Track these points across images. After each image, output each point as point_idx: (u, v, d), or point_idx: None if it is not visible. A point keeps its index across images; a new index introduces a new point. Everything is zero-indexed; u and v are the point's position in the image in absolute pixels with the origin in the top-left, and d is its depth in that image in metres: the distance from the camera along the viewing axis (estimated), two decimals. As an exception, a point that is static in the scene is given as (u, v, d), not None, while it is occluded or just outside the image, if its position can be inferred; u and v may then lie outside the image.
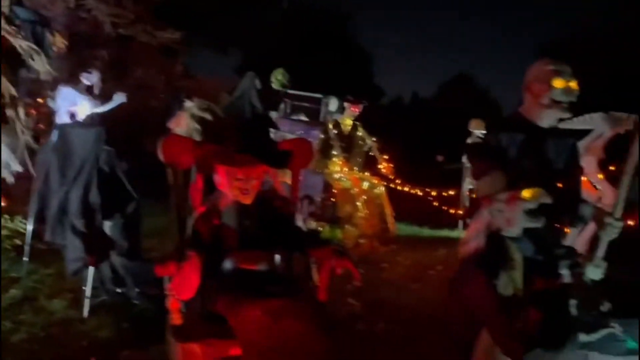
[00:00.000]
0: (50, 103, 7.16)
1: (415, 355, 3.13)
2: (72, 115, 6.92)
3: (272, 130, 6.53)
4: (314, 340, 2.27)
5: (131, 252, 3.49)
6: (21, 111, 4.34)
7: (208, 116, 2.66)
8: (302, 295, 2.40)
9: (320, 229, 5.88)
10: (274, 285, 2.38)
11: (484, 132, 6.68)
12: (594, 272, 2.20)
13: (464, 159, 7.12)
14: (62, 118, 6.89)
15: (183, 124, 2.68)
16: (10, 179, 4.50)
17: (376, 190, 6.02)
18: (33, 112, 7.52)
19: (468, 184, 7.16)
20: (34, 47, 4.37)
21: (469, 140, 7.24)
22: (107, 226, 3.46)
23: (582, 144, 4.25)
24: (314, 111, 8.37)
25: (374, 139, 6.37)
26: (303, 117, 8.00)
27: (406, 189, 7.29)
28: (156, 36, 13.13)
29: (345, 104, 6.11)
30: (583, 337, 1.91)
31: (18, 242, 4.49)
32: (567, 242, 2.61)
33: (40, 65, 4.50)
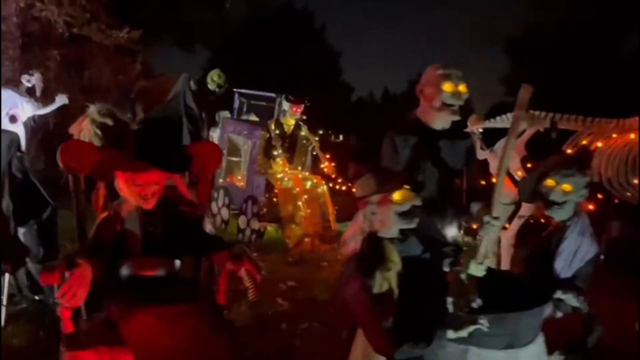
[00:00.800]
0: (-13, 106, 7.01)
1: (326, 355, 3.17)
2: (13, 118, 6.81)
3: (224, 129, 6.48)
4: (209, 346, 2.29)
5: (47, 259, 3.44)
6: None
7: (109, 121, 2.64)
8: (200, 300, 2.41)
9: (262, 229, 5.90)
10: (171, 290, 2.39)
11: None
12: (477, 269, 2.27)
13: None
14: (2, 121, 6.77)
15: (84, 129, 2.66)
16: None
17: (318, 190, 6.06)
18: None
19: None
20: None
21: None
22: (21, 233, 3.41)
23: (500, 143, 4.37)
24: (270, 110, 8.38)
25: (317, 138, 6.41)
26: (253, 117, 7.99)
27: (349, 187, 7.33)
28: (111, 35, 12.95)
29: (287, 104, 6.13)
30: (450, 334, 1.97)
31: None
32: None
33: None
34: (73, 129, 2.86)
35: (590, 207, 4.17)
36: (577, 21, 17.54)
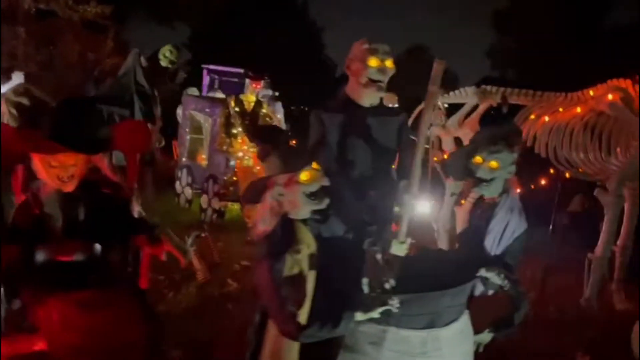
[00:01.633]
0: (-59, 85, 6.80)
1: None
2: (-32, 97, 6.62)
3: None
4: (126, 330, 2.25)
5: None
6: None
7: (24, 100, 2.54)
8: (118, 285, 2.35)
9: (222, 208, 5.83)
10: (89, 275, 2.32)
11: (397, 105, 6.71)
12: (399, 249, 2.23)
13: None
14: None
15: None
16: None
17: (280, 168, 5.97)
18: None
19: None
20: None
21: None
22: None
23: (454, 119, 4.32)
24: (241, 86, 8.27)
25: (279, 115, 6.31)
26: (219, 94, 7.86)
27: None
28: (78, 11, 12.61)
29: (247, 80, 6.01)
30: (359, 315, 1.94)
31: None
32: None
33: None
34: None
35: (543, 182, 4.17)
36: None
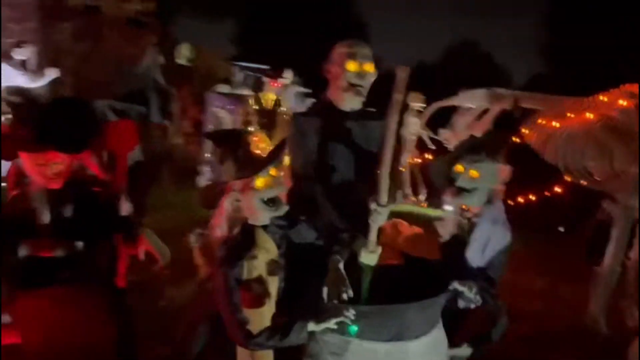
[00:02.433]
0: (-18, 80, 7.13)
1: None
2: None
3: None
4: (96, 328, 2.30)
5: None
6: None
7: (18, 99, 2.63)
8: (95, 283, 2.40)
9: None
10: (67, 272, 2.38)
11: (424, 105, 6.57)
12: (369, 258, 2.18)
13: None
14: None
15: (-4, 108, 2.66)
16: None
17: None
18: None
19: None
20: None
21: (405, 115, 7.11)
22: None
23: (462, 122, 4.20)
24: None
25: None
26: (247, 91, 7.92)
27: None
28: (122, 7, 12.97)
29: (265, 79, 6.03)
30: (312, 326, 1.90)
31: None
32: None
33: None
34: None
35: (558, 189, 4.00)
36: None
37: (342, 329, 2.01)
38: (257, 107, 5.98)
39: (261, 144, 6.01)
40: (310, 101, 9.29)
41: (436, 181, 2.51)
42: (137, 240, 2.42)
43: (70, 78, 10.67)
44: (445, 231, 2.50)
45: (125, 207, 2.73)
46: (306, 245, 2.24)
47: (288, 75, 8.49)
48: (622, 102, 3.23)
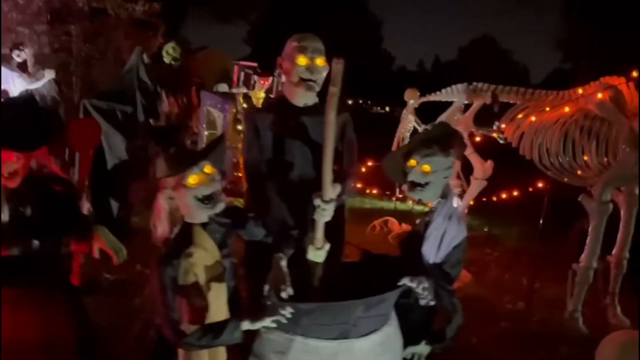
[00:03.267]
0: (-19, 82, 7.23)
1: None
2: (5, 93, 7.00)
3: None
4: (51, 329, 2.29)
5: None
6: None
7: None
8: (50, 282, 2.39)
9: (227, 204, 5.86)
10: (22, 271, 2.37)
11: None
12: (316, 255, 2.15)
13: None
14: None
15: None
16: None
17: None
18: (-18, 91, 7.63)
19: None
20: None
21: (404, 112, 7.05)
22: None
23: (443, 117, 4.13)
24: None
25: None
26: (243, 90, 7.92)
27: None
28: (127, 9, 13.08)
29: (255, 77, 6.01)
30: (246, 324, 1.86)
31: None
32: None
33: None
34: None
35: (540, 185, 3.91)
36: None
37: (284, 327, 1.98)
38: (245, 105, 5.97)
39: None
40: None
41: (391, 175, 2.46)
42: (90, 238, 2.40)
43: (75, 78, 10.82)
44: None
45: (86, 206, 2.72)
46: (254, 243, 2.21)
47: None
48: (600, 95, 3.13)
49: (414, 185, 2.32)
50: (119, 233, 2.45)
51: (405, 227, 4.78)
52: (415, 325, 2.35)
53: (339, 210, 2.59)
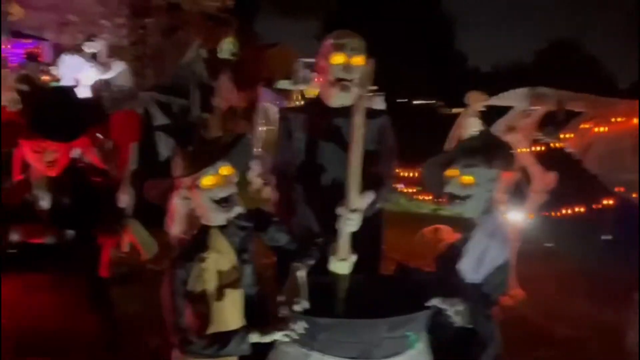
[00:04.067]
0: (54, 71, 7.60)
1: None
2: (77, 82, 7.32)
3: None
4: (75, 317, 2.30)
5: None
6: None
7: (25, 87, 2.69)
8: (78, 271, 2.40)
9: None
10: (52, 259, 2.40)
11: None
12: (340, 267, 2.02)
13: None
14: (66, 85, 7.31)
15: (6, 95, 2.75)
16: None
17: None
18: (45, 78, 8.04)
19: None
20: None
21: (461, 115, 6.73)
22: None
23: (502, 122, 3.87)
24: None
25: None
26: (301, 86, 7.88)
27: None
28: (201, 4, 13.41)
29: (312, 74, 5.91)
30: (254, 337, 1.76)
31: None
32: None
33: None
34: None
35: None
36: None
37: (301, 341, 1.87)
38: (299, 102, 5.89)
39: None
40: (380, 99, 9.11)
41: (429, 185, 2.29)
42: (119, 232, 2.40)
43: (149, 70, 11.19)
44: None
45: (124, 198, 2.72)
46: (276, 250, 2.11)
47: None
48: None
49: (453, 198, 2.14)
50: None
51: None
52: (450, 348, 2.17)
53: (375, 219, 2.46)
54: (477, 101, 6.85)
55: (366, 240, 2.35)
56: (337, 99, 2.29)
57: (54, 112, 2.42)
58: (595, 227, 3.70)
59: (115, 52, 12.06)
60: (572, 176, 3.63)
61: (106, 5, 13.52)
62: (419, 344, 2.02)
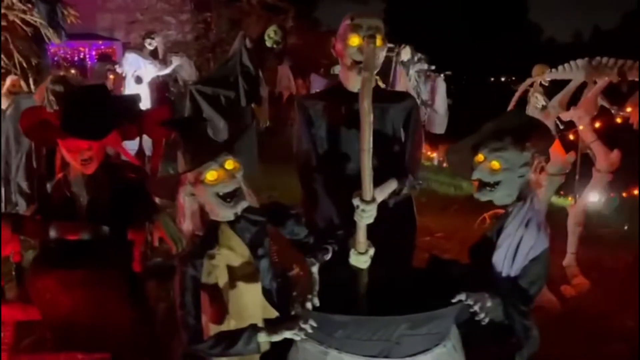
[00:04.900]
0: (119, 69, 7.90)
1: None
2: (138, 79, 7.58)
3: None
4: (109, 310, 2.35)
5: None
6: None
7: (59, 88, 2.76)
8: (112, 267, 2.45)
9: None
10: (88, 255, 2.46)
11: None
12: (358, 260, 1.92)
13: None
14: (129, 82, 7.60)
15: (43, 96, 2.84)
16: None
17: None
18: (111, 77, 8.38)
19: None
20: (44, 22, 4.84)
21: (531, 91, 6.33)
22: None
23: (556, 99, 3.57)
24: (387, 61, 8.02)
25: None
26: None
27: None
28: (256, -7, 13.52)
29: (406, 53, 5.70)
30: (262, 337, 1.69)
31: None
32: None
33: (55, 37, 4.97)
34: (36, 96, 3.08)
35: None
36: None
37: (319, 338, 1.80)
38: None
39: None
40: (440, 80, 8.78)
41: (456, 170, 2.12)
42: (149, 227, 2.41)
43: (212, 64, 11.43)
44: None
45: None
46: (295, 243, 2.04)
47: (405, 53, 8.10)
48: None
49: (482, 185, 1.97)
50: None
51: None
52: (484, 346, 2.02)
53: (404, 208, 2.33)
54: (540, 74, 6.43)
55: (395, 232, 2.23)
56: (356, 83, 2.16)
57: (81, 111, 2.47)
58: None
59: (180, 47, 12.48)
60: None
61: (170, 3, 13.97)
62: (448, 341, 1.89)
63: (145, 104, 6.64)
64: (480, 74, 25.54)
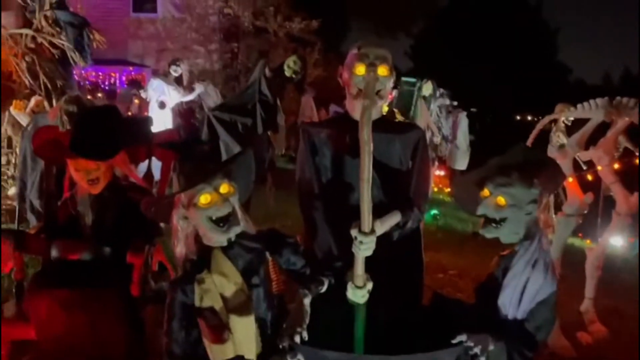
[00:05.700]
0: (143, 94, 8.04)
1: None
2: (162, 104, 7.70)
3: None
4: (104, 331, 2.31)
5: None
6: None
7: (73, 108, 2.79)
8: (110, 288, 2.42)
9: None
10: (86, 275, 2.43)
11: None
12: (355, 294, 1.85)
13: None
14: (153, 107, 7.73)
15: (56, 116, 2.87)
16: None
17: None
18: (136, 101, 8.54)
19: None
20: (70, 45, 4.97)
21: (554, 129, 6.23)
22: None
23: (575, 138, 3.48)
24: (408, 95, 8.03)
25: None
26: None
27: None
28: (285, 27, 13.79)
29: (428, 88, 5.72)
30: None
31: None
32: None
33: (81, 60, 5.10)
34: (50, 115, 3.12)
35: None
36: None
37: None
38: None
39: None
40: (462, 115, 8.74)
41: (462, 206, 2.05)
42: (147, 250, 2.39)
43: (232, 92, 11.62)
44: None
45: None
46: (291, 273, 1.98)
47: (427, 88, 8.07)
48: None
49: (487, 221, 1.89)
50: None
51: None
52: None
53: (410, 243, 2.25)
54: (562, 113, 6.33)
55: (399, 267, 2.15)
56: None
57: (89, 131, 2.48)
58: None
59: (207, 75, 12.72)
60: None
61: (200, 32, 14.32)
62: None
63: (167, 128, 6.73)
64: (507, 112, 25.40)
